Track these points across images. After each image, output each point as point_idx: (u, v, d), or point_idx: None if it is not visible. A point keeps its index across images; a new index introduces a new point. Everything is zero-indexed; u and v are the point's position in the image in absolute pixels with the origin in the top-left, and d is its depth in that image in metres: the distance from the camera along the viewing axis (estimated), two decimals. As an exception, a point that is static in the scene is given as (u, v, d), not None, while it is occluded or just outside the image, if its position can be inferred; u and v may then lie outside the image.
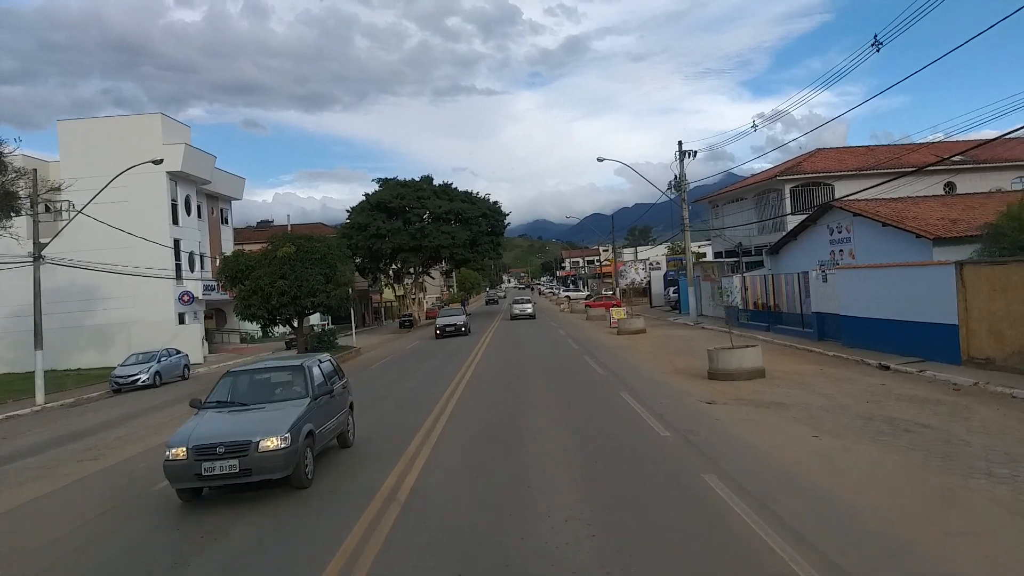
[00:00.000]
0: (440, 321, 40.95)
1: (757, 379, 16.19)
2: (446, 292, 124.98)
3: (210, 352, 43.57)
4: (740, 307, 31.35)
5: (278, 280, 24.14)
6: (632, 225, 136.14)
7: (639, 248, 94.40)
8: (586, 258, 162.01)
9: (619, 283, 77.78)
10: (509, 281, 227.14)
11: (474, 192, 61.20)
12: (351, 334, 43.69)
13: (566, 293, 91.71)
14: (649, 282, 58.23)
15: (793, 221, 34.91)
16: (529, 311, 52.56)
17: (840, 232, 27.51)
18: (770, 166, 44.09)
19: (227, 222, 50.29)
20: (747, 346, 17.27)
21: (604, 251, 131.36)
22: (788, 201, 35.61)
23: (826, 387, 14.62)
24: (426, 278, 79.80)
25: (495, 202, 61.97)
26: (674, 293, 50.19)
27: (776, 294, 27.91)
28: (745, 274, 32.29)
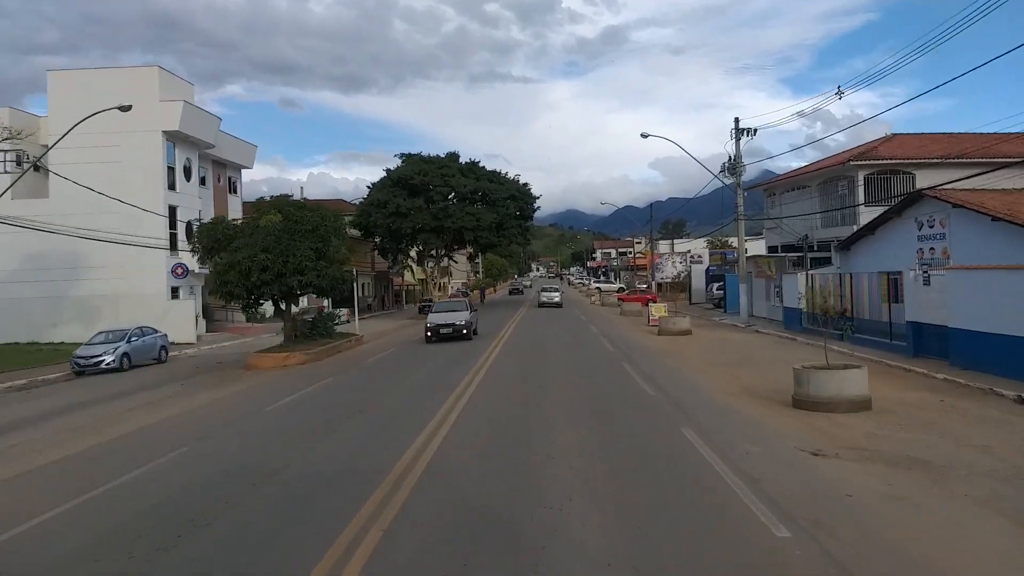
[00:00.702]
0: (432, 319, 29.65)
1: (862, 411, 11.89)
2: (472, 278, 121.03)
3: (208, 331, 40.09)
4: (805, 310, 26.86)
5: (259, 253, 20.20)
6: (666, 218, 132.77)
7: (675, 241, 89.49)
8: (618, 249, 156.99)
9: (654, 276, 73.20)
10: (538, 270, 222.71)
11: (502, 172, 56.98)
12: (353, 320, 39.85)
13: (597, 284, 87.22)
14: (688, 276, 53.58)
15: (867, 214, 30.27)
16: (556, 299, 55.35)
17: (932, 227, 22.87)
18: (805, 163, 39.20)
19: (236, 191, 46.72)
20: (848, 366, 12.92)
21: (637, 243, 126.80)
22: (861, 190, 30.85)
23: (967, 430, 10.33)
24: (451, 262, 75.99)
25: (525, 184, 57.71)
26: (718, 290, 45.63)
27: (853, 297, 23.41)
28: (812, 272, 27.74)
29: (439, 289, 63.65)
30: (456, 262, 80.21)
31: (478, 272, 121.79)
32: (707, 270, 53.13)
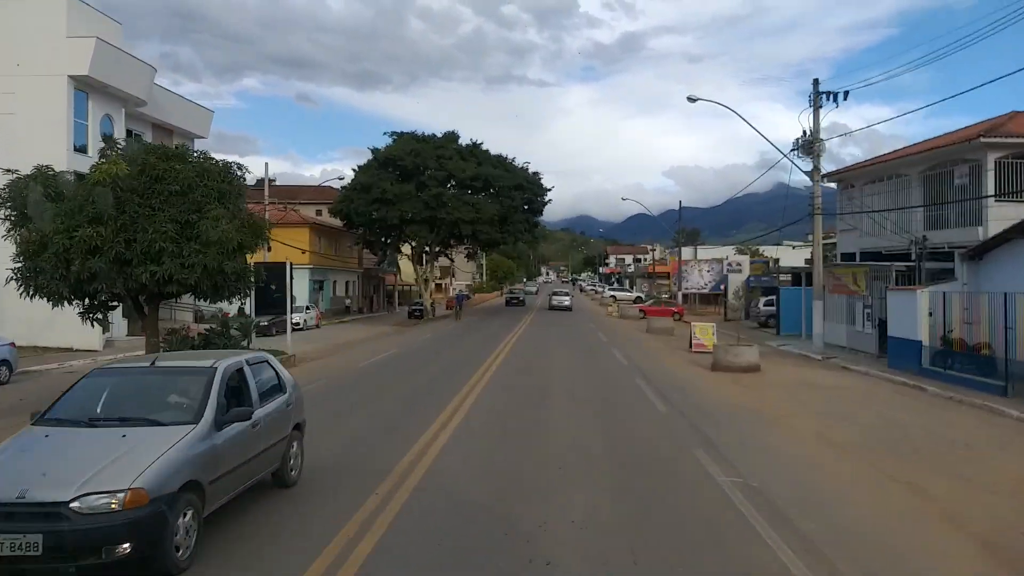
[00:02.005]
0: None
1: None
2: (477, 280, 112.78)
3: (128, 335, 31.97)
4: (928, 344, 18.53)
5: (86, 227, 12.03)
6: (680, 226, 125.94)
7: (698, 247, 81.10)
8: (633, 256, 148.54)
9: (679, 286, 64.85)
10: (548, 274, 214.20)
11: (509, 158, 48.78)
12: (301, 331, 31.64)
13: (612, 292, 78.82)
14: (724, 288, 45.20)
15: (996, 209, 21.98)
16: (567, 303, 57.95)
17: None
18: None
19: (184, 165, 38.63)
20: None
21: (652, 249, 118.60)
22: (991, 177, 22.48)
23: None
24: (449, 260, 67.84)
25: (535, 173, 49.49)
26: (767, 305, 37.32)
27: (1007, 329, 15.26)
28: (940, 288, 19.40)
29: (430, 291, 55.59)
30: (452, 260, 72.10)
31: (482, 273, 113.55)
32: (747, 281, 44.80)
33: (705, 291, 63.32)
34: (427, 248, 50.49)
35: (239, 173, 15.20)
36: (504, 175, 46.21)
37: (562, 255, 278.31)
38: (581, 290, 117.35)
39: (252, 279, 16.00)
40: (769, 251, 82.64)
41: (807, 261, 71.29)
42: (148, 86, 31.85)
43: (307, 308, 40.36)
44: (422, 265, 51.65)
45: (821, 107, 24.59)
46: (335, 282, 54.07)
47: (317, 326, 41.19)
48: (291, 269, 19.48)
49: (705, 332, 24.73)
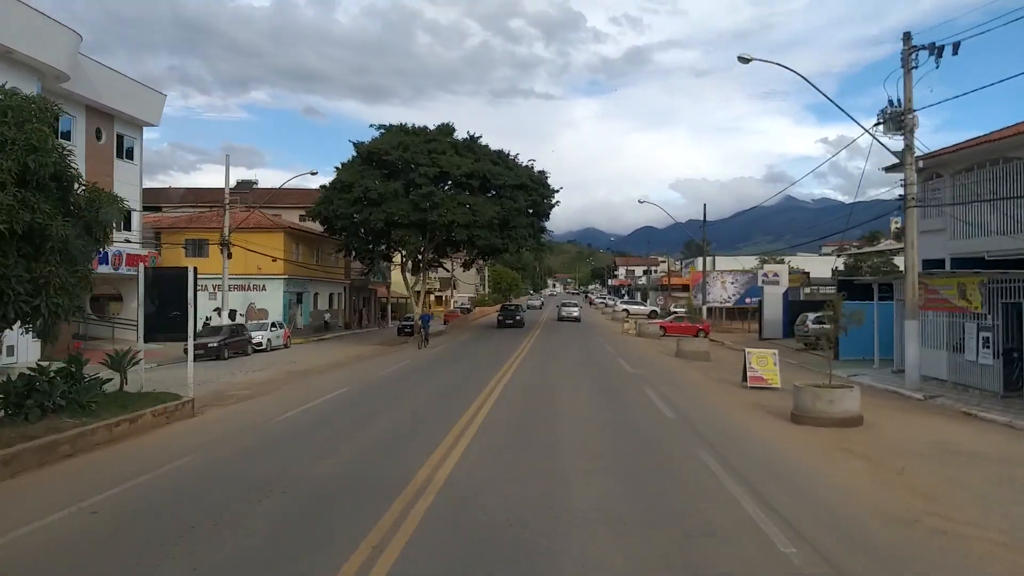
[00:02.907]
0: None
1: None
2: (481, 291, 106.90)
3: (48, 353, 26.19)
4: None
5: None
6: (688, 239, 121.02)
7: (716, 257, 75.17)
8: (644, 267, 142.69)
9: (700, 298, 58.89)
10: (555, 286, 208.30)
11: (511, 154, 43.02)
12: (236, 351, 25.86)
13: (624, 305, 72.85)
14: (760, 303, 39.24)
15: None
16: (575, 314, 60.02)
17: None
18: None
19: (130, 156, 33.03)
20: None
21: (662, 261, 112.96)
22: None
23: None
24: (443, 270, 62.07)
25: (541, 172, 43.72)
26: (817, 322, 31.34)
27: None
28: None
29: (440, 303, 49.70)
30: (448, 270, 66.41)
31: (485, 284, 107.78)
32: (785, 295, 38.82)
33: (728, 304, 57.36)
34: (419, 256, 44.71)
35: (44, 111, 9.42)
36: (505, 173, 40.46)
37: (569, 267, 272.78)
38: (590, 303, 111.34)
39: (78, 290, 10.15)
40: (795, 262, 76.66)
41: (836, 272, 65.20)
42: (71, 56, 26.22)
43: (272, 325, 34.54)
44: (407, 275, 45.84)
45: (915, 67, 18.73)
46: (316, 295, 48.32)
47: (285, 346, 35.42)
48: (195, 277, 13.55)
49: (764, 362, 18.82)
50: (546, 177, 43.53)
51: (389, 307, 64.47)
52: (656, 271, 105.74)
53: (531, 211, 42.38)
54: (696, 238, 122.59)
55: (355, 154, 40.37)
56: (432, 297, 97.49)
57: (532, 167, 43.50)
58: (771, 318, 38.77)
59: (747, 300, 57.75)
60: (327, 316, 46.23)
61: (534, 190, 41.97)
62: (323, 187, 41.29)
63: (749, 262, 68.37)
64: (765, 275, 38.78)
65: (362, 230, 39.90)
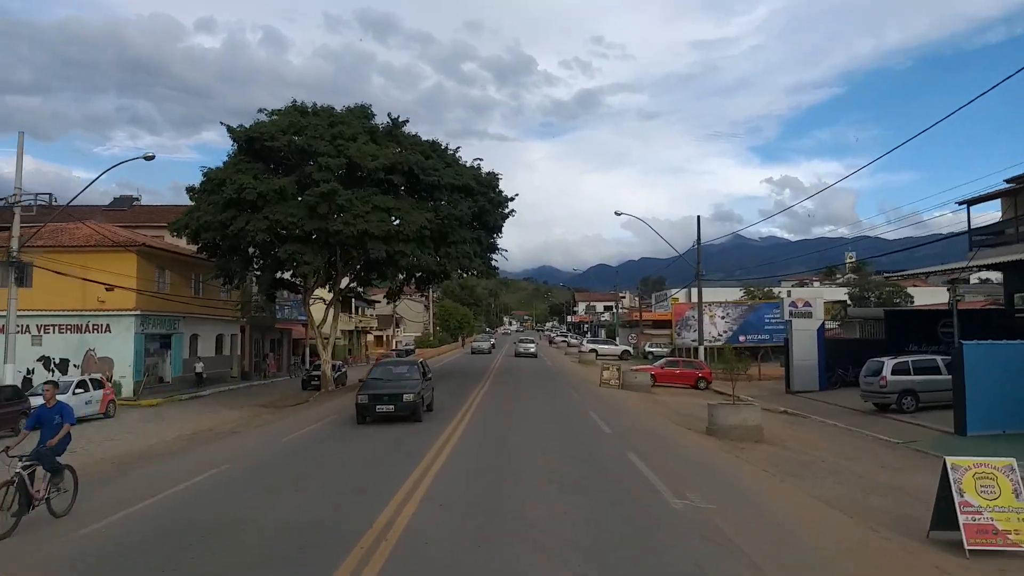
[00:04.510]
0: None
1: None
2: (428, 327, 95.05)
3: None
4: None
5: None
6: (645, 276, 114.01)
7: (678, 291, 65.35)
8: (606, 303, 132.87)
9: (686, 336, 48.66)
10: (511, 323, 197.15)
11: (449, 148, 32.34)
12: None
13: (592, 345, 62.14)
14: (787, 343, 28.88)
15: None
16: (532, 350, 59.96)
17: None
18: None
19: None
20: None
21: (622, 296, 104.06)
22: None
23: None
24: (365, 302, 50.88)
25: (491, 173, 33.04)
26: (898, 373, 21.22)
27: None
28: None
29: (380, 345, 38.57)
30: (370, 303, 55.20)
31: (430, 323, 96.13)
32: (820, 332, 28.58)
33: (719, 343, 47.25)
34: (326, 282, 33.49)
35: None
36: (441, 169, 29.70)
37: (525, 304, 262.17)
38: (550, 342, 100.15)
39: None
40: (799, 292, 67.29)
41: (853, 298, 55.78)
42: None
43: (81, 386, 22.73)
44: (309, 306, 34.53)
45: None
46: (195, 337, 36.47)
47: (106, 415, 23.64)
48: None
49: (991, 488, 8.12)
50: (497, 180, 32.86)
51: (307, 351, 52.44)
52: (620, 307, 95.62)
53: (476, 223, 31.58)
54: (652, 275, 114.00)
55: (233, 144, 29.20)
56: (371, 337, 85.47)
57: (479, 167, 32.84)
58: (803, 363, 28.45)
59: (741, 338, 47.72)
60: (199, 366, 34.25)
61: (481, 194, 31.24)
62: (191, 191, 29.87)
63: (722, 295, 58.51)
64: (793, 305, 28.61)
65: (242, 246, 28.57)
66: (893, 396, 21.32)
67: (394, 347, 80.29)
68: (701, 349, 37.54)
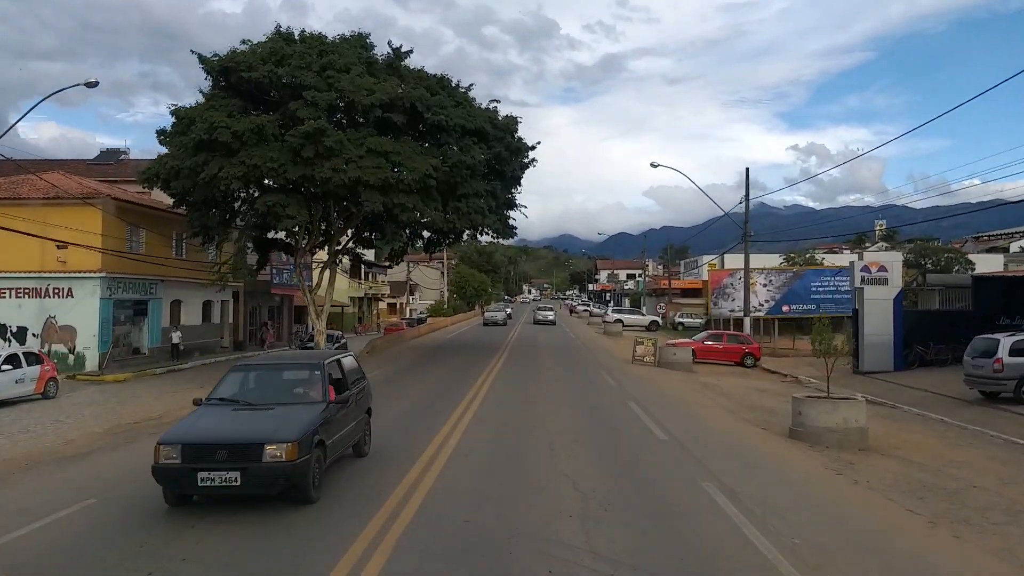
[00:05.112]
0: None
1: None
2: (445, 293, 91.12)
3: None
4: None
5: None
6: (666, 244, 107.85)
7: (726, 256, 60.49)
8: (627, 271, 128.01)
9: (724, 306, 44.34)
10: (530, 292, 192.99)
11: (460, 86, 27.81)
12: None
13: (617, 315, 57.82)
14: (856, 314, 24.42)
15: None
16: (551, 317, 58.58)
17: None
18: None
19: None
20: None
21: (646, 264, 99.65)
22: None
23: None
24: (362, 264, 46.94)
25: (509, 117, 28.48)
26: (1015, 355, 16.80)
27: None
28: None
29: (393, 312, 34.79)
30: (383, 268, 51.32)
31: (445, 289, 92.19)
32: (898, 302, 24.04)
33: (760, 314, 42.84)
34: (319, 240, 29.50)
35: None
36: (450, 109, 25.25)
37: (545, 272, 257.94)
38: (571, 311, 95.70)
39: None
40: (831, 258, 62.65)
41: (907, 265, 50.69)
42: None
43: (7, 361, 18.86)
44: (300, 270, 30.59)
45: None
46: (180, 303, 32.69)
47: (43, 395, 19.86)
48: None
49: None
50: (516, 124, 28.33)
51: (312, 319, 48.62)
52: (644, 274, 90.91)
53: (491, 173, 27.20)
54: (675, 244, 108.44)
55: (207, 77, 24.92)
56: (383, 305, 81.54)
57: (496, 110, 28.27)
58: (876, 338, 23.99)
59: (784, 308, 43.29)
60: (175, 336, 30.36)
61: (497, 140, 26.81)
62: (161, 134, 25.66)
63: (759, 262, 53.68)
64: (866, 269, 23.87)
65: (218, 197, 24.46)
66: (1011, 383, 16.91)
67: (407, 315, 76.43)
68: (747, 321, 33.20)
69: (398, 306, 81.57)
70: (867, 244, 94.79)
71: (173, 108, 24.29)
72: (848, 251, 79.10)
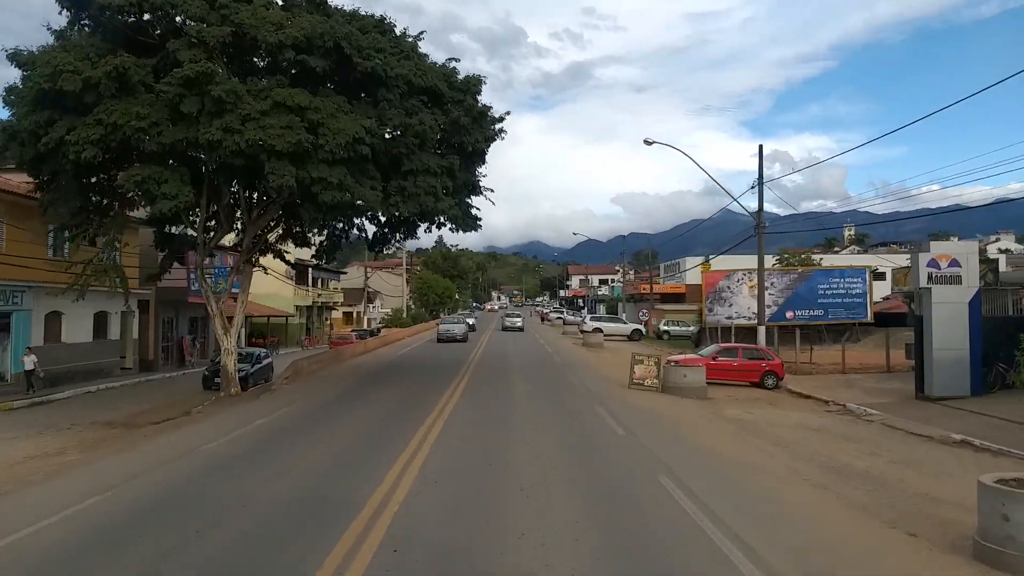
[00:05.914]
0: None
1: None
2: (405, 300, 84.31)
3: None
4: None
5: None
6: (637, 250, 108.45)
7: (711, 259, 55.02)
8: (600, 276, 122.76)
9: (719, 312, 38.64)
10: (499, 299, 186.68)
11: (408, 34, 21.64)
12: None
13: (595, 323, 51.89)
14: (920, 321, 18.76)
15: None
16: (519, 324, 59.62)
17: None
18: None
19: None
20: None
21: (618, 270, 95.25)
22: None
23: None
24: (286, 264, 40.65)
25: (470, 76, 22.33)
26: None
27: None
28: None
29: (349, 322, 28.33)
30: (336, 273, 45.06)
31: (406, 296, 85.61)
32: (972, 305, 18.51)
33: (755, 322, 37.36)
34: (222, 228, 23.17)
35: None
36: (390, 59, 19.12)
37: (515, 279, 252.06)
38: (543, 319, 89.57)
39: None
40: (830, 259, 57.92)
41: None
42: None
43: None
44: (200, 269, 24.23)
45: None
46: (60, 316, 25.99)
47: None
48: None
49: None
50: (479, 85, 22.21)
51: (246, 330, 41.94)
52: (623, 278, 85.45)
53: (446, 147, 21.13)
54: (644, 249, 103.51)
55: (60, 11, 18.49)
56: (338, 315, 74.57)
57: (455, 69, 22.09)
58: (947, 352, 18.36)
59: (788, 314, 37.73)
60: (28, 361, 23.04)
61: (455, 103, 20.71)
62: (9, 92, 19.11)
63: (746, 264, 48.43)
64: (934, 264, 18.27)
65: (69, 168, 17.96)
66: None
67: (365, 325, 69.71)
68: (761, 331, 27.69)
69: (355, 316, 74.82)
70: (836, 248, 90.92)
71: (11, 52, 17.81)
72: (820, 255, 74.75)
